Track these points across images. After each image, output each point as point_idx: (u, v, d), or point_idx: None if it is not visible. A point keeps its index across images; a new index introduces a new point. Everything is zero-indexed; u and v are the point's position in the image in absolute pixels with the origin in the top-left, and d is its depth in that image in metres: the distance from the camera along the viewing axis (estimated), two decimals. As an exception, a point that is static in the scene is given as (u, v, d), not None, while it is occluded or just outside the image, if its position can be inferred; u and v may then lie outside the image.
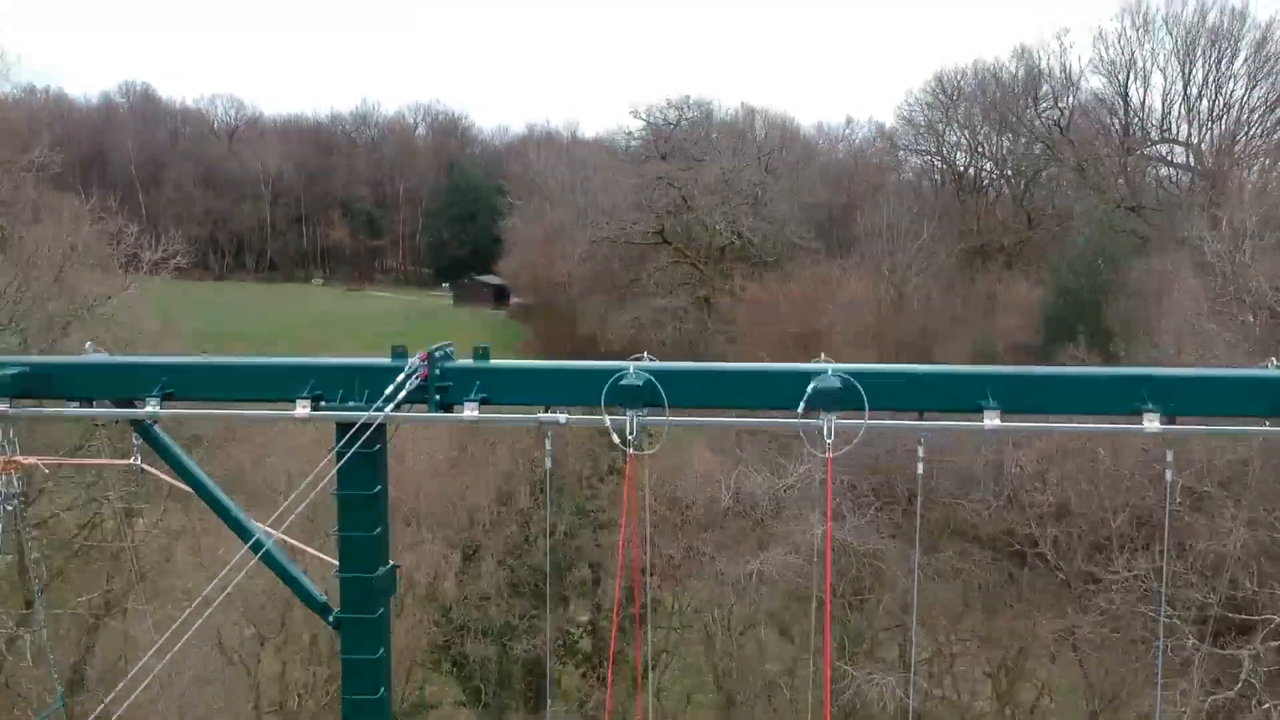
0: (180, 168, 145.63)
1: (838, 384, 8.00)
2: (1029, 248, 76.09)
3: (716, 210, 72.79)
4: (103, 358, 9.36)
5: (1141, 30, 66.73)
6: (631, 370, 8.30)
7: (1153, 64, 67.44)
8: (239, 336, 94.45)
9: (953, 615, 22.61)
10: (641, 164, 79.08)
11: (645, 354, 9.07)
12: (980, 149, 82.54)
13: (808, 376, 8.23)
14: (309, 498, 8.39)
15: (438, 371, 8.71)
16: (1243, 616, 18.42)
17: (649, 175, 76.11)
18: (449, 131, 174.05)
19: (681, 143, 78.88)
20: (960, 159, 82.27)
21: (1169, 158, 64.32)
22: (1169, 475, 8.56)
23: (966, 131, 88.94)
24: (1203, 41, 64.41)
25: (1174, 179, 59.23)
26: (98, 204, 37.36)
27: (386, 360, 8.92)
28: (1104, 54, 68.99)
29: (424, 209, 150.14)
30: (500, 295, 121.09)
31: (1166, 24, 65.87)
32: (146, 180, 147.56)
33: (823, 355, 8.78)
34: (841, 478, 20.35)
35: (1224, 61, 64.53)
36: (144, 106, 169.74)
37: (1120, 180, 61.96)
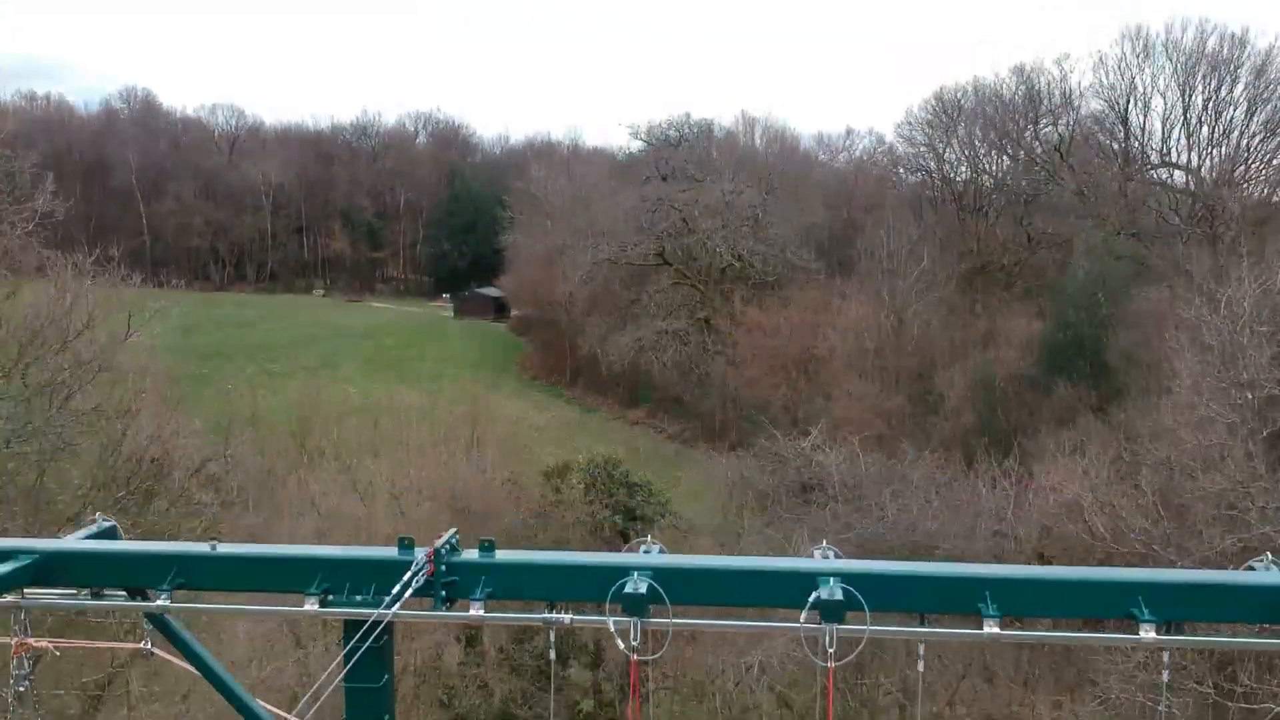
0: (181, 178, 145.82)
1: (840, 595, 8.15)
2: (1029, 269, 76.28)
3: (717, 233, 72.93)
4: (115, 545, 9.48)
5: (1142, 56, 66.97)
6: (635, 575, 8.44)
7: (1153, 88, 67.69)
8: (239, 354, 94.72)
9: (952, 682, 22.69)
10: (642, 185, 79.15)
11: (649, 537, 9.26)
12: (980, 164, 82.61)
13: (811, 578, 8.36)
14: (324, 694, 8.58)
15: (443, 567, 8.82)
16: (1244, 706, 18.49)
17: (650, 197, 76.21)
18: (449, 140, 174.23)
19: (683, 163, 79.00)
20: (961, 174, 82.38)
21: (1169, 182, 64.46)
22: (1165, 675, 8.68)
23: (967, 149, 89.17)
24: (1202, 67, 64.60)
25: (1174, 205, 59.28)
26: (101, 255, 37.38)
27: (394, 553, 9.04)
28: (1104, 79, 69.26)
29: (424, 219, 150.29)
30: (500, 308, 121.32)
31: (1166, 49, 66.09)
32: (147, 191, 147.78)
33: (824, 542, 8.95)
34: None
35: (1224, 88, 64.75)
36: (145, 116, 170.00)
37: (1121, 202, 62.10)
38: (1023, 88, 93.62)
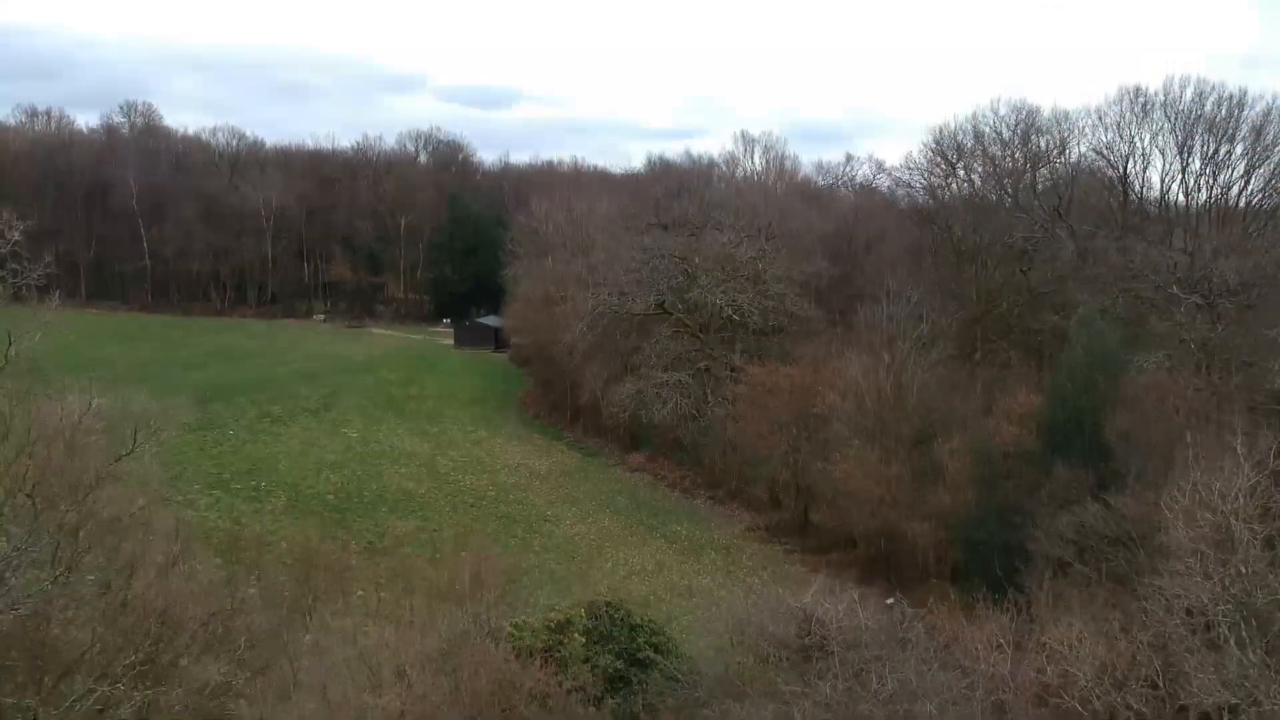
0: (181, 201, 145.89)
1: None
2: (1028, 314, 76.48)
3: (717, 288, 73.22)
4: None
5: (1140, 115, 67.18)
6: None
7: (1152, 147, 67.97)
8: (240, 393, 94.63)
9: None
10: (643, 233, 79.46)
11: None
12: (979, 213, 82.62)
13: None
14: None
15: None
16: None
17: (651, 249, 76.50)
18: (449, 159, 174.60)
19: (683, 211, 79.29)
20: (960, 220, 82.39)
21: (1168, 243, 64.72)
22: None
23: (965, 185, 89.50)
24: (1200, 127, 64.82)
25: (1172, 267, 59.51)
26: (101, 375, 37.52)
27: None
28: (1103, 136, 69.55)
29: (425, 243, 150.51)
30: (500, 338, 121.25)
31: (1164, 109, 66.30)
32: (148, 214, 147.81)
33: None
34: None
35: (1222, 148, 65.00)
36: (146, 137, 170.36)
37: (1120, 263, 62.35)
38: (1021, 126, 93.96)
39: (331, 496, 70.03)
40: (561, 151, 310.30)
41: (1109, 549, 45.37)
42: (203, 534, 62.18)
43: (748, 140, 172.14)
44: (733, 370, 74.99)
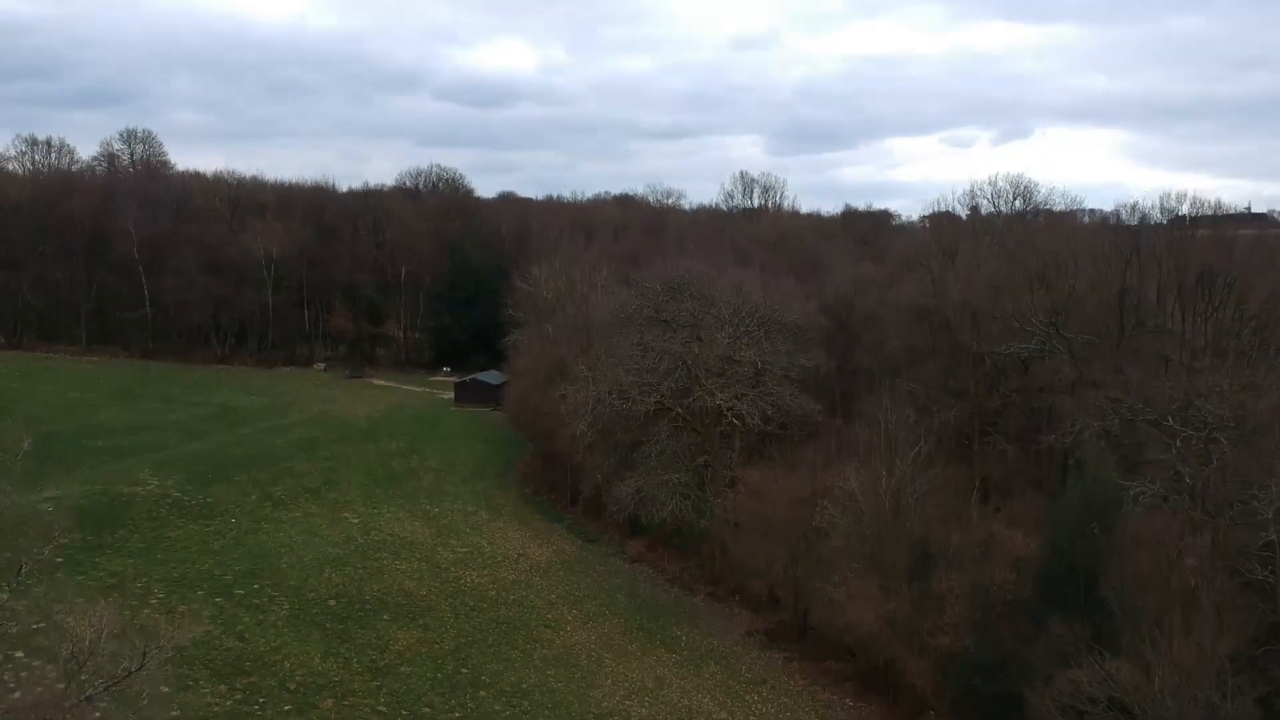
0: (182, 250, 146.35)
1: None
2: (1028, 416, 77.03)
3: (718, 392, 73.79)
4: None
5: (1139, 227, 67.67)
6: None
7: (1149, 254, 68.44)
8: (241, 469, 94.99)
9: None
10: (643, 327, 80.00)
11: None
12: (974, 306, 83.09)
13: None
14: None
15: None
16: None
17: (652, 347, 77.06)
18: (449, 199, 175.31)
19: (683, 309, 79.77)
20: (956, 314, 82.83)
21: (1165, 362, 65.24)
22: None
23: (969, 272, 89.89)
24: (1196, 241, 65.36)
25: (1167, 400, 59.85)
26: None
27: None
28: (1101, 248, 69.93)
29: (425, 293, 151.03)
30: (500, 397, 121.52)
31: (1162, 215, 66.91)
32: (149, 262, 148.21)
33: None
34: None
35: (1219, 266, 65.44)
36: (146, 178, 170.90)
37: (1115, 389, 62.84)
38: (1019, 199, 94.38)
39: (333, 602, 70.32)
40: (559, 152, 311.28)
41: (1104, 714, 46.00)
42: (205, 654, 63.00)
43: (746, 181, 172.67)
44: (729, 469, 75.59)
